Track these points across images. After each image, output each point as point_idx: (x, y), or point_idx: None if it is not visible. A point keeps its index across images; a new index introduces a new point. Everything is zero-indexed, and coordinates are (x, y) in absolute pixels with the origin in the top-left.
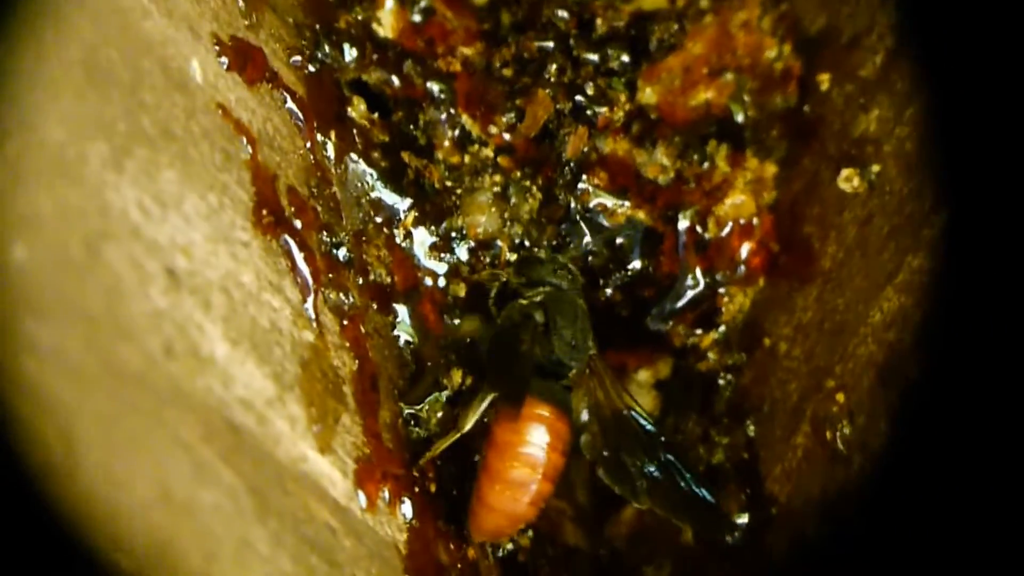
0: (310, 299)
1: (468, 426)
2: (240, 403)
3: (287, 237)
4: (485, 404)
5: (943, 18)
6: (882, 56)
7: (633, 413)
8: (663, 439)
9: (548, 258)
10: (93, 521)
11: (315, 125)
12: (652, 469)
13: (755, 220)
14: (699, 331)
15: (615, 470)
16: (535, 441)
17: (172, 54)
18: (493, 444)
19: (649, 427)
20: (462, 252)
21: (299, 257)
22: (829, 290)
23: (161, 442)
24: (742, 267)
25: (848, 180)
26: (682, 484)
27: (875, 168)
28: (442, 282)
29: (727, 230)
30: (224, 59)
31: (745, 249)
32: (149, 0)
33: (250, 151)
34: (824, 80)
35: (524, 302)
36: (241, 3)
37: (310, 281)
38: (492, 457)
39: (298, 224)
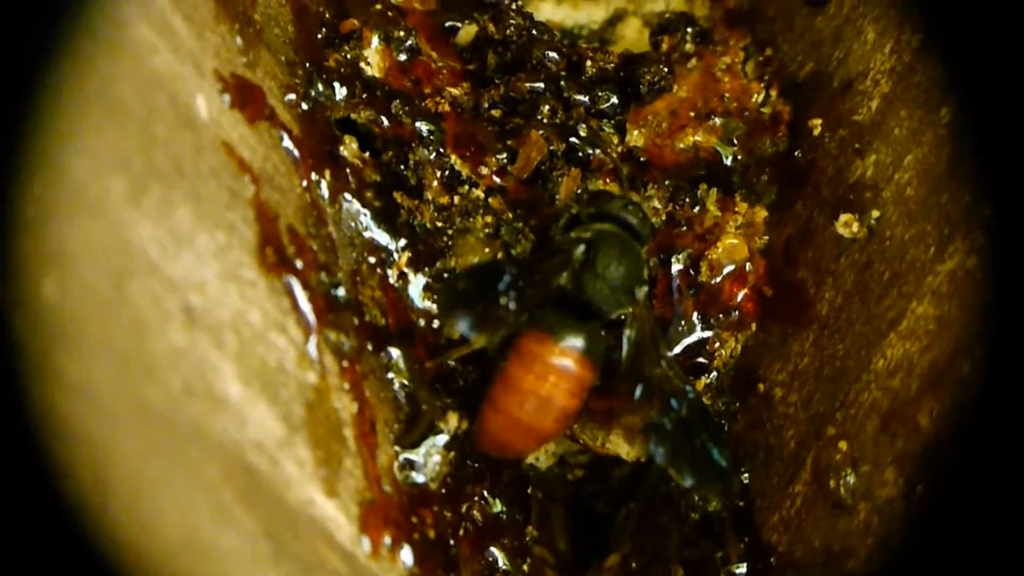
0: (312, 340)
1: (483, 343)
2: (253, 445)
3: (290, 277)
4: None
5: (943, 63)
6: (878, 101)
7: (664, 362)
8: (692, 397)
9: (621, 194)
10: (121, 565)
11: (310, 164)
12: (666, 420)
13: (748, 265)
14: (691, 376)
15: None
16: (562, 364)
17: (180, 89)
18: (516, 352)
19: (679, 383)
20: None
21: (302, 297)
22: (827, 336)
23: (186, 483)
24: (735, 312)
25: (847, 225)
26: (696, 442)
27: (875, 213)
28: (436, 324)
29: (721, 275)
30: (226, 96)
31: (739, 294)
32: (157, 36)
33: (253, 189)
34: (816, 125)
35: (574, 235)
36: (239, 40)
37: (312, 321)
38: (513, 364)
39: (299, 264)
